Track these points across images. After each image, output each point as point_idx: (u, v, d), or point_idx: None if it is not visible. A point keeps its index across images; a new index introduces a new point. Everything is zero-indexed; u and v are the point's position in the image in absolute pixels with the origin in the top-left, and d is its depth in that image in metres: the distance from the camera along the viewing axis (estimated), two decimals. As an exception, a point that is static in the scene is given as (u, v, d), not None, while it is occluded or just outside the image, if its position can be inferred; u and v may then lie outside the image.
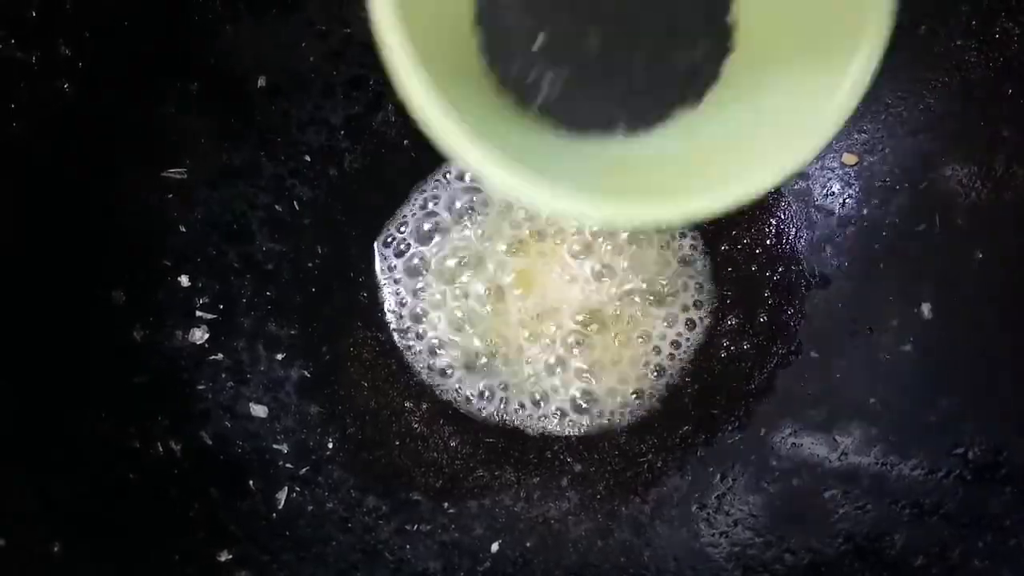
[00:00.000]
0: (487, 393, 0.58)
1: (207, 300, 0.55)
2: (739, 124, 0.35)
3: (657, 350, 0.59)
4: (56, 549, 0.43)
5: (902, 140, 0.55)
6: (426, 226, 0.60)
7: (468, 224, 0.60)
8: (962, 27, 0.50)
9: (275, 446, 0.54)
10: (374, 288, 0.59)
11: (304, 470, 0.54)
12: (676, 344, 0.60)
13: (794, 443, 0.54)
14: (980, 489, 0.49)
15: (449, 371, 0.58)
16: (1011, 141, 0.51)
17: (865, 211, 0.57)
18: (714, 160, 0.34)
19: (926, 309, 0.55)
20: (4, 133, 0.47)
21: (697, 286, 0.61)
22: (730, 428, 0.57)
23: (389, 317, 0.59)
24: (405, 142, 0.61)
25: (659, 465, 0.56)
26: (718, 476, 0.55)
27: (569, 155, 0.36)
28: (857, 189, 0.57)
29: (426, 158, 0.61)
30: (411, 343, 0.58)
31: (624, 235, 0.60)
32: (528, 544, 0.54)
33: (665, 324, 0.60)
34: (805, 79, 0.34)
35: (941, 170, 0.54)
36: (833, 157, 0.58)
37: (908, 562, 0.49)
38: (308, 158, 0.60)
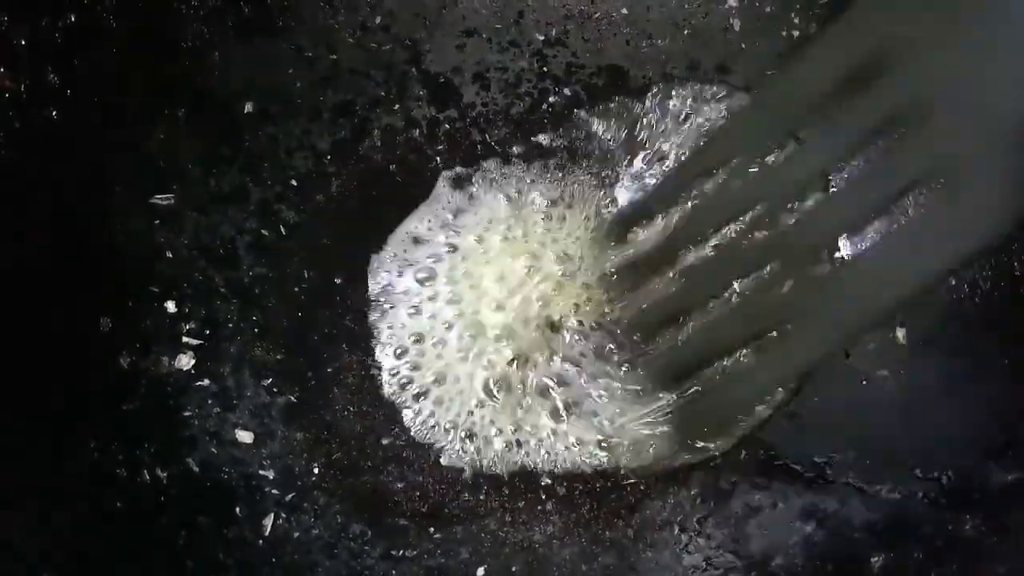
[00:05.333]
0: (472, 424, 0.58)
1: (193, 326, 0.56)
2: None
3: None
4: (44, 578, 0.43)
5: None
6: (413, 253, 0.60)
7: (455, 252, 0.60)
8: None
9: (261, 472, 0.54)
10: (360, 313, 0.59)
11: (290, 496, 0.54)
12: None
13: (772, 467, 0.55)
14: (954, 513, 0.50)
15: (430, 397, 0.58)
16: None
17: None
18: None
19: (901, 335, 0.56)
20: (-8, 161, 0.47)
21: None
22: (711, 452, 0.57)
23: (375, 342, 0.59)
24: (391, 167, 0.62)
25: (642, 488, 0.57)
26: (699, 500, 0.56)
27: None
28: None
29: (412, 183, 0.61)
30: (397, 368, 0.58)
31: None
32: (513, 568, 0.54)
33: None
34: None
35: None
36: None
37: (886, 584, 0.50)
38: (295, 183, 0.60)
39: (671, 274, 0.55)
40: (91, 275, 0.52)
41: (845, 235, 0.56)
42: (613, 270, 0.58)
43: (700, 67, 0.62)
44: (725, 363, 0.54)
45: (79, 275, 0.51)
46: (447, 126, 0.62)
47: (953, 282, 0.55)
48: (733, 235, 0.53)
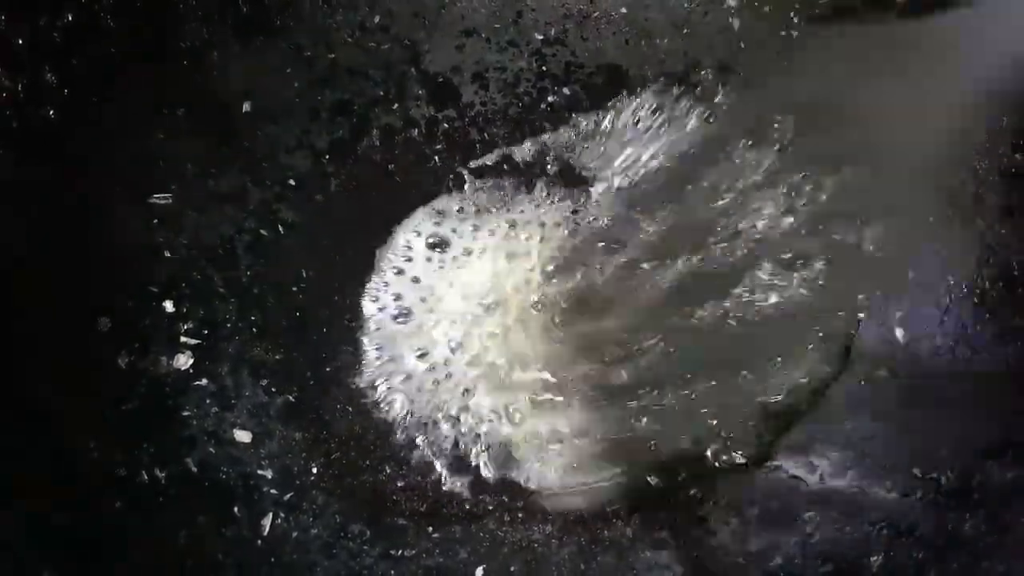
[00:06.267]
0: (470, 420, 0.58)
1: (192, 325, 0.55)
2: None
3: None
4: (44, 577, 0.43)
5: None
6: (411, 251, 0.60)
7: (453, 251, 0.60)
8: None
9: (260, 472, 0.54)
10: (358, 312, 0.59)
11: (289, 496, 0.54)
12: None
13: (772, 466, 0.55)
14: (953, 512, 0.50)
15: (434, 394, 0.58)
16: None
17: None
18: None
19: (900, 334, 0.56)
20: (-11, 160, 0.47)
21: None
22: (710, 451, 0.57)
23: (371, 344, 0.59)
24: (390, 167, 0.61)
25: (640, 490, 0.56)
26: (697, 500, 0.56)
27: None
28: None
29: (410, 182, 0.61)
30: (396, 367, 0.58)
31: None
32: (512, 568, 0.54)
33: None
34: None
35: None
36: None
37: (885, 583, 0.50)
38: (294, 183, 0.60)
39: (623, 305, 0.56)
40: (90, 275, 0.52)
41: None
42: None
43: (699, 67, 0.62)
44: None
45: (78, 275, 0.51)
46: (446, 126, 0.62)
47: (952, 281, 0.55)
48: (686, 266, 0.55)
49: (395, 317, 0.60)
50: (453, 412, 0.58)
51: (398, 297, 0.60)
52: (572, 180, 0.61)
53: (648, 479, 0.56)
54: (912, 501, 0.52)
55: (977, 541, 0.49)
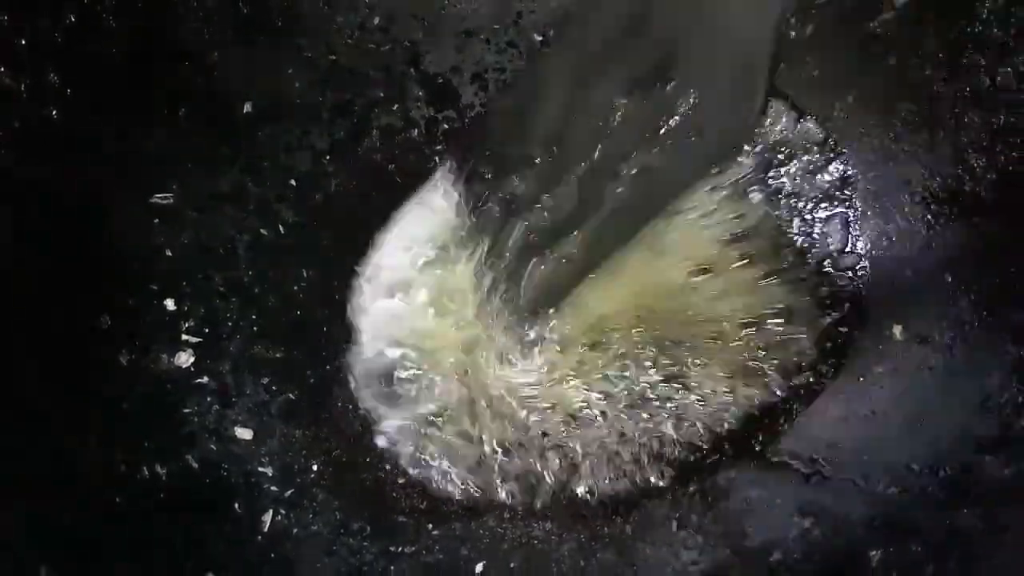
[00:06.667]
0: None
1: (193, 324, 0.56)
2: None
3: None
4: (43, 574, 0.43)
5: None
6: (409, 250, 0.60)
7: (450, 250, 0.60)
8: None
9: (260, 469, 0.54)
10: (358, 310, 0.59)
11: (289, 493, 0.54)
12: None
13: (772, 463, 0.55)
14: (952, 508, 0.50)
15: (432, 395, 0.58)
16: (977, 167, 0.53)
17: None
18: None
19: (898, 331, 0.56)
20: (-7, 160, 0.48)
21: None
22: (710, 448, 0.58)
23: (370, 339, 0.59)
24: (390, 167, 0.62)
25: (641, 485, 0.57)
26: (698, 496, 0.56)
27: None
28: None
29: (410, 182, 0.62)
30: (396, 364, 0.59)
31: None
32: (512, 565, 0.54)
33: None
34: None
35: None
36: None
37: (884, 578, 0.50)
38: (294, 182, 0.60)
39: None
40: (91, 274, 0.52)
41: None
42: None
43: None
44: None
45: (79, 274, 0.51)
46: (445, 126, 0.62)
47: (950, 279, 0.55)
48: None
49: (397, 313, 0.59)
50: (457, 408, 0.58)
51: (398, 295, 0.60)
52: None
53: (648, 475, 0.56)
54: (911, 497, 0.52)
55: (976, 536, 0.49)
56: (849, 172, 0.59)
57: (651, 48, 0.52)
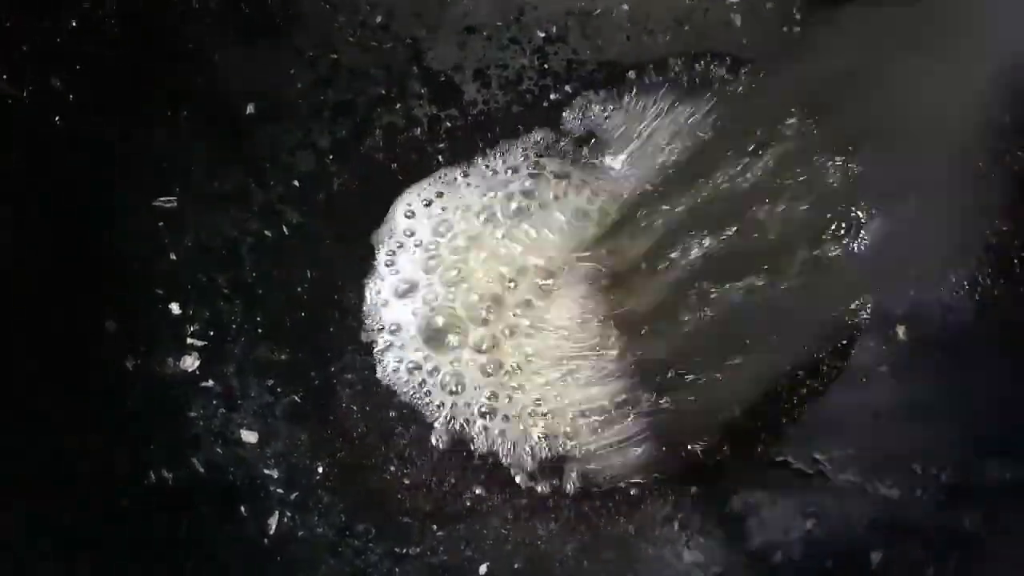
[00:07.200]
0: (474, 417, 0.58)
1: (198, 327, 0.56)
2: None
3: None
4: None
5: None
6: (414, 250, 0.60)
7: (455, 242, 0.60)
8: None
9: (266, 471, 0.55)
10: (363, 312, 0.60)
11: (294, 495, 0.54)
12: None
13: (772, 464, 0.56)
14: (953, 509, 0.50)
15: (435, 394, 0.58)
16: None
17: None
18: None
19: (901, 331, 0.56)
20: (-3, 166, 0.48)
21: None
22: (712, 448, 0.58)
23: (378, 341, 0.59)
24: (393, 165, 0.62)
25: (643, 485, 0.57)
26: (700, 496, 0.56)
27: None
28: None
29: (414, 181, 0.61)
30: (399, 366, 0.59)
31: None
32: (516, 565, 0.55)
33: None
34: None
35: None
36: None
37: (885, 579, 0.50)
38: (297, 183, 0.60)
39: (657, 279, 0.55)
40: (95, 278, 0.52)
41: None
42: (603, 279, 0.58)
43: (701, 63, 0.62)
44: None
45: (83, 277, 0.52)
46: (448, 124, 0.62)
47: (953, 279, 0.55)
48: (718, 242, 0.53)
49: (401, 314, 0.60)
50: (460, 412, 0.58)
51: (403, 294, 0.60)
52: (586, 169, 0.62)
53: (654, 475, 0.56)
54: (913, 498, 0.52)
55: (977, 538, 0.49)
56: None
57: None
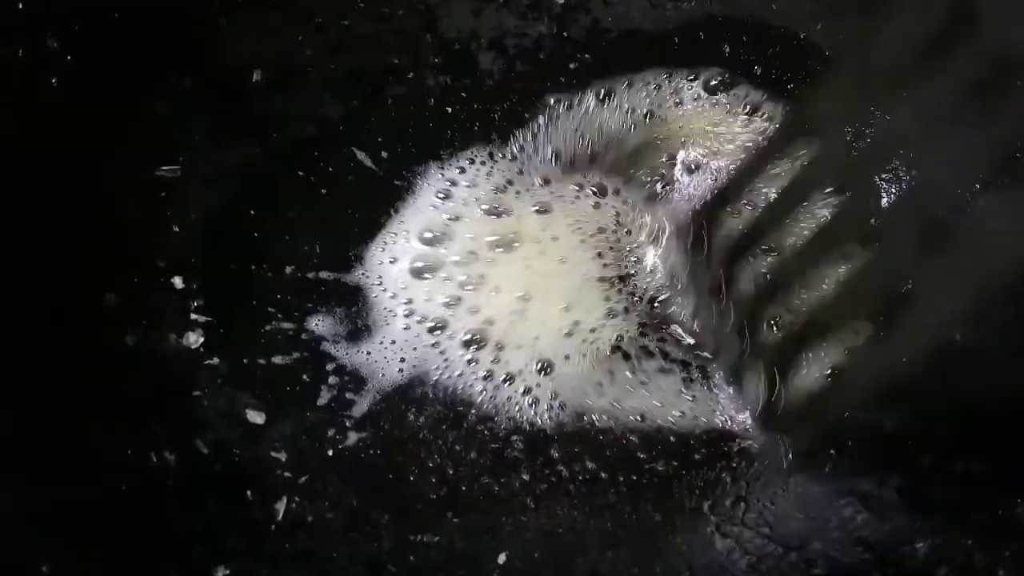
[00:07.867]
0: (494, 398, 0.56)
1: (202, 302, 0.54)
2: None
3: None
4: (45, 569, 0.41)
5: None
6: (429, 223, 0.59)
7: (468, 219, 0.59)
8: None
9: (273, 454, 0.53)
10: (374, 288, 0.58)
11: (303, 479, 0.53)
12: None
13: (810, 450, 0.53)
14: (1006, 497, 0.48)
15: (454, 372, 0.56)
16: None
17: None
18: None
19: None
20: (-10, 130, 0.46)
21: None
22: (744, 434, 0.55)
23: (390, 318, 0.57)
24: (405, 136, 0.60)
25: (670, 471, 0.55)
26: (732, 481, 0.54)
27: None
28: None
29: (427, 151, 0.60)
30: (414, 345, 0.57)
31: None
32: (536, 555, 0.52)
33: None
34: None
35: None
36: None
37: (932, 571, 0.48)
38: (305, 153, 0.58)
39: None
40: (94, 249, 0.50)
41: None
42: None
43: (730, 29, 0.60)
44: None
45: (82, 249, 0.50)
46: (463, 95, 0.60)
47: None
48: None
49: (414, 290, 0.58)
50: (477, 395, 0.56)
51: (417, 271, 0.58)
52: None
53: (673, 461, 0.54)
54: (960, 487, 0.50)
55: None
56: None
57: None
